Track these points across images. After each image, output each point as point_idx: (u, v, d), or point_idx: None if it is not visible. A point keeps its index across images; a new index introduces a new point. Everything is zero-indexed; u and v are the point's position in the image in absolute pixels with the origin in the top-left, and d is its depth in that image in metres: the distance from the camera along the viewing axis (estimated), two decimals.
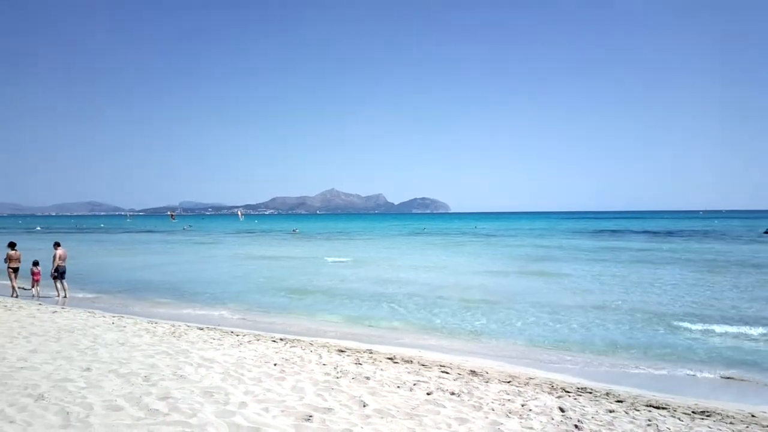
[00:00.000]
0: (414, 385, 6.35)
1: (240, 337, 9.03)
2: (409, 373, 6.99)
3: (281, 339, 9.03)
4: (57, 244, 15.68)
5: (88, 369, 6.40)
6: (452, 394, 6.07)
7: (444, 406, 5.56)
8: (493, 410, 5.54)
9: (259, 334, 9.40)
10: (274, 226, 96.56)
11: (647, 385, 7.39)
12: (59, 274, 15.30)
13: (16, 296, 14.85)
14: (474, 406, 5.64)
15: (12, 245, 15.52)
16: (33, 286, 15.38)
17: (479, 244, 42.55)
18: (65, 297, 15.00)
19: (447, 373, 7.17)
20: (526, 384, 6.90)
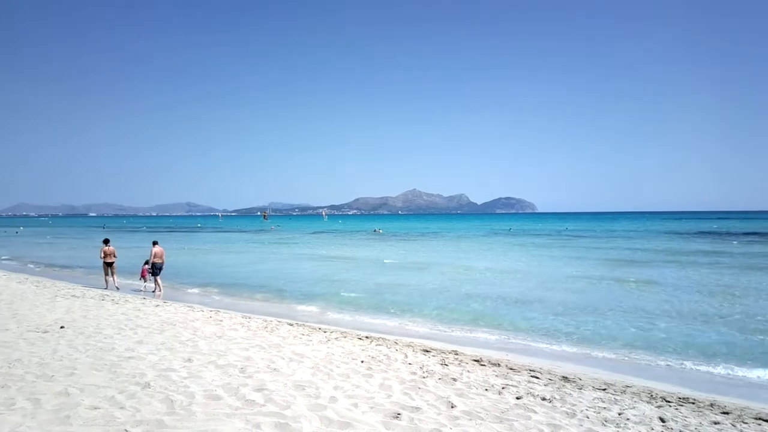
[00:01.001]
0: (503, 388, 6.23)
1: (327, 333, 9.26)
2: (497, 376, 6.88)
3: (366, 337, 9.17)
4: (155, 243, 16.83)
5: (189, 360, 6.81)
6: (543, 399, 5.90)
7: (535, 412, 5.42)
8: (588, 418, 5.33)
9: (345, 332, 9.60)
10: (356, 226, 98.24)
11: (756, 397, 6.84)
12: (155, 270, 16.37)
13: (116, 288, 16.29)
14: (567, 413, 5.45)
15: (106, 242, 17.01)
16: (142, 280, 16.74)
17: (569, 246, 41.07)
18: (160, 291, 16.07)
19: (537, 378, 6.99)
20: (623, 392, 6.59)
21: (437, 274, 21.06)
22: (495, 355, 8.50)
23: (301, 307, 13.70)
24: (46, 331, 8.46)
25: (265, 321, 10.32)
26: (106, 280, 16.82)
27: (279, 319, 10.67)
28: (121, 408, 4.96)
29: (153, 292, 16.12)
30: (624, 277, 19.84)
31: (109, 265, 16.85)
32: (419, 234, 64.91)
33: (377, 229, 75.33)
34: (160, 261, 16.46)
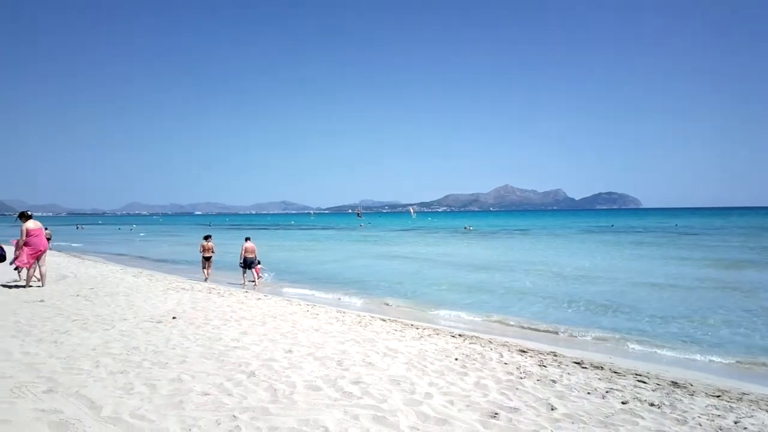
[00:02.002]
0: (606, 392, 5.95)
1: (420, 330, 9.27)
2: (599, 379, 6.58)
3: (460, 335, 9.09)
4: (247, 239, 17.99)
5: (290, 351, 7.08)
6: (651, 405, 5.57)
7: (642, 417, 5.12)
8: (701, 425, 4.97)
9: (437, 329, 9.57)
10: (445, 223, 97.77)
11: None
12: (246, 264, 17.51)
13: (205, 280, 17.51)
14: (677, 420, 5.11)
15: (207, 237, 18.26)
16: (254, 275, 17.86)
17: (677, 243, 38.50)
18: (254, 284, 17.19)
19: (644, 382, 6.61)
20: (739, 399, 6.08)
21: (528, 273, 20.49)
22: (597, 358, 8.14)
23: (391, 304, 13.84)
24: (159, 321, 9.11)
25: (359, 316, 10.52)
26: (204, 273, 18.14)
27: (372, 315, 10.83)
28: (229, 395, 5.24)
29: (253, 283, 17.17)
30: (736, 279, 18.32)
31: (207, 259, 18.18)
32: (511, 231, 63.46)
33: (467, 226, 74.46)
34: (251, 256, 17.51)
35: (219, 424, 4.48)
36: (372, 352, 7.17)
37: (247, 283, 17.51)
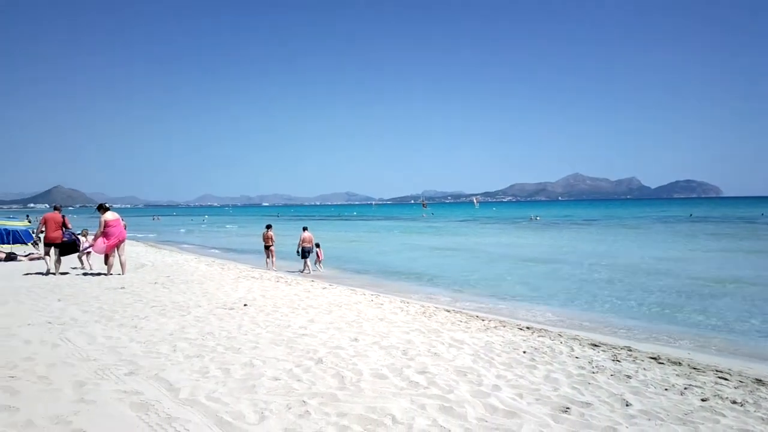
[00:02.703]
0: (685, 389, 5.65)
1: (486, 322, 9.14)
2: (677, 375, 6.25)
3: (527, 327, 8.89)
4: (304, 229, 18.73)
5: (355, 340, 7.15)
6: (733, 402, 5.24)
7: (723, 415, 4.83)
8: None
9: (503, 321, 9.41)
10: (511, 213, 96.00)
11: None
12: (304, 253, 18.13)
13: (274, 270, 18.14)
14: (762, 419, 4.79)
15: (268, 227, 19.03)
16: (316, 263, 18.58)
17: (761, 235, 36.13)
18: (311, 271, 17.86)
19: (725, 379, 6.23)
20: None
21: (598, 265, 19.78)
22: (674, 353, 7.75)
23: (455, 295, 13.72)
24: (231, 308, 9.43)
25: (423, 306, 10.50)
26: (266, 262, 18.92)
27: (436, 306, 10.78)
28: (299, 380, 5.35)
29: (308, 272, 17.83)
30: None
31: (267, 248, 18.86)
32: (579, 221, 61.47)
33: (534, 216, 72.70)
34: (309, 245, 18.21)
35: (290, 408, 4.58)
36: (437, 342, 7.13)
37: (310, 270, 18.08)
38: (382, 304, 10.39)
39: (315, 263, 18.59)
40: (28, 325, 7.91)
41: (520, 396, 5.10)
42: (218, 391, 5.01)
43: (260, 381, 5.32)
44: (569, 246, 29.13)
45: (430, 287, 15.11)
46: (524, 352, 6.91)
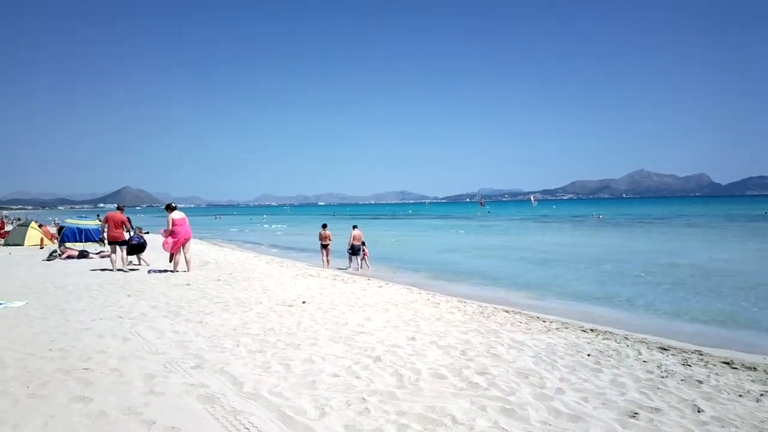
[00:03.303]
0: (761, 395, 5.32)
1: (547, 323, 8.91)
2: (753, 381, 5.89)
3: (591, 329, 8.60)
4: (354, 227, 19.04)
5: (413, 338, 7.13)
6: None
7: None
8: None
9: (566, 322, 9.13)
10: (571, 211, 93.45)
11: None
12: (353, 251, 18.55)
13: (328, 267, 18.47)
14: None
15: (324, 226, 19.52)
16: (362, 260, 18.80)
17: None
18: (359, 269, 18.23)
19: None
20: None
21: (665, 265, 18.93)
22: (748, 358, 7.31)
23: (513, 295, 13.47)
24: (291, 305, 9.61)
25: (480, 306, 10.34)
26: (322, 261, 19.19)
27: (494, 306, 10.59)
28: (357, 378, 5.38)
29: (357, 269, 18.14)
30: None
31: (324, 247, 19.15)
32: (645, 220, 59.08)
33: (596, 215, 70.42)
34: (358, 243, 18.49)
35: (349, 405, 4.60)
36: (496, 343, 7.01)
37: (358, 268, 18.43)
38: (438, 304, 10.32)
39: (361, 260, 18.99)
40: (101, 319, 8.33)
41: (585, 400, 4.94)
42: (280, 386, 5.11)
43: (320, 377, 5.38)
44: (633, 245, 28.04)
45: (486, 287, 14.89)
46: (588, 354, 6.69)
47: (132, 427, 4.11)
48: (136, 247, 16.24)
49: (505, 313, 9.73)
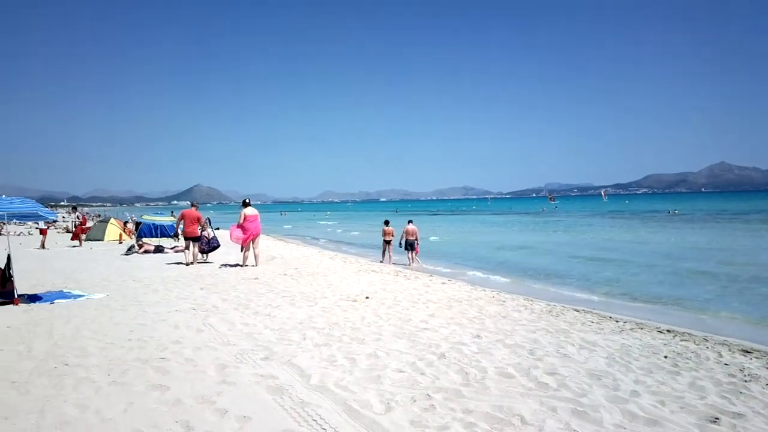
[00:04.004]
0: None
1: (620, 323, 8.55)
2: None
3: (668, 330, 8.18)
4: (409, 222, 19.24)
5: (478, 336, 7.02)
6: None
7: None
8: None
9: (640, 323, 8.73)
10: (645, 207, 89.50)
11: None
12: (407, 245, 18.57)
13: (392, 263, 18.59)
14: None
15: (387, 222, 19.83)
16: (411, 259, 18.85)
17: None
18: (411, 264, 18.14)
19: None
20: None
21: (748, 264, 17.78)
22: None
23: (583, 293, 13.04)
24: (354, 300, 9.70)
25: (549, 305, 10.06)
26: (385, 256, 19.49)
27: (563, 305, 10.27)
28: (422, 374, 5.35)
29: (409, 265, 18.06)
30: None
31: (387, 243, 19.58)
32: (726, 215, 55.67)
33: (672, 210, 67.09)
34: (411, 238, 18.57)
35: (415, 401, 4.59)
36: (566, 343, 6.79)
37: (410, 262, 18.44)
38: (504, 301, 10.12)
39: (408, 256, 19.15)
40: (176, 311, 8.71)
41: (662, 403, 4.70)
42: (345, 380, 5.16)
43: (385, 372, 5.39)
44: (712, 243, 26.48)
45: (552, 285, 14.46)
46: (665, 356, 6.37)
47: (206, 416, 4.26)
48: (213, 248, 16.87)
49: (575, 312, 9.42)
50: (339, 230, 48.02)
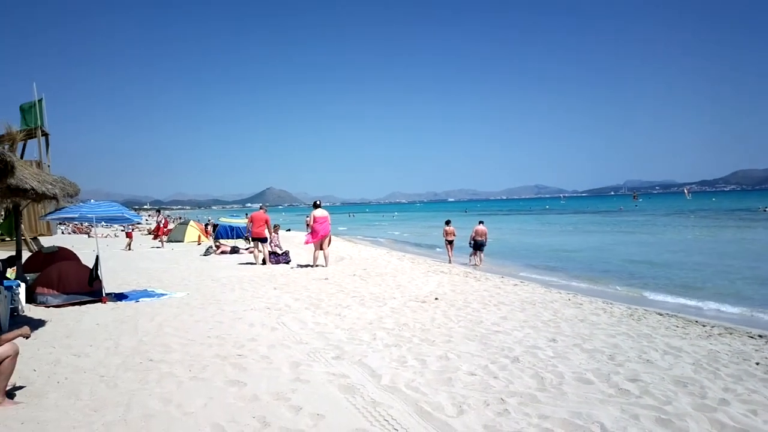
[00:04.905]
0: None
1: (707, 328, 8.05)
2: None
3: (760, 336, 7.61)
4: (480, 222, 19.28)
5: (553, 340, 6.79)
6: None
7: None
8: None
9: (730, 327, 8.17)
10: (733, 205, 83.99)
11: None
12: (476, 246, 18.61)
13: (450, 262, 18.75)
14: None
15: (448, 222, 19.99)
16: (471, 256, 19.08)
17: None
18: (477, 265, 18.12)
19: None
20: None
21: None
22: None
23: (666, 297, 12.38)
24: (423, 301, 9.65)
25: (629, 308, 9.59)
26: (449, 256, 19.62)
27: (645, 308, 9.78)
28: (495, 377, 5.23)
29: (475, 265, 18.09)
30: None
31: (449, 242, 19.67)
32: None
33: (763, 208, 62.63)
34: (481, 238, 18.53)
35: (488, 405, 4.49)
36: (649, 348, 6.44)
37: (477, 263, 18.44)
38: (581, 304, 9.75)
39: (472, 255, 19.24)
40: (251, 309, 8.98)
41: (754, 413, 4.37)
42: (416, 381, 5.12)
43: (456, 375, 5.31)
44: None
45: (633, 287, 13.82)
46: (757, 363, 5.92)
47: (281, 412, 4.35)
48: (275, 254, 17.22)
49: (658, 316, 8.95)
50: (406, 231, 48.07)
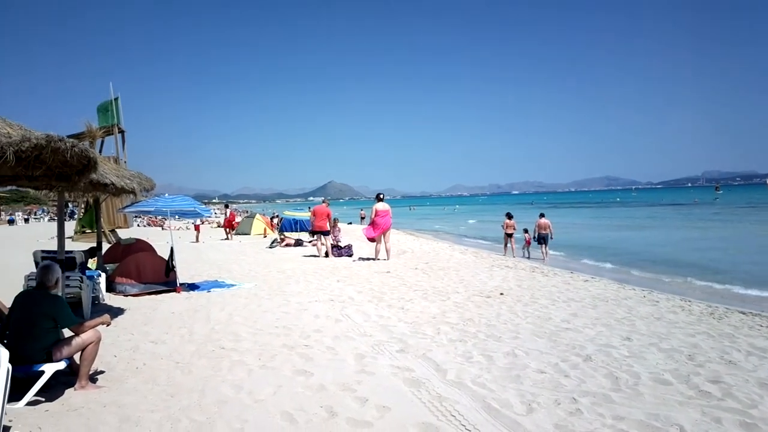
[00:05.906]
0: None
1: None
2: None
3: None
4: (541, 215, 19.11)
5: (628, 338, 6.48)
6: None
7: None
8: None
9: None
10: None
11: None
12: (540, 239, 18.62)
13: (513, 256, 18.83)
14: None
15: (509, 215, 19.78)
16: (523, 248, 19.39)
17: None
18: (544, 260, 18.05)
19: None
20: None
21: None
22: None
23: (747, 293, 11.65)
24: (488, 296, 9.47)
25: (709, 306, 9.06)
26: (504, 248, 19.62)
27: (727, 306, 9.21)
28: (566, 376, 5.05)
29: (542, 260, 17.91)
30: None
31: (509, 236, 19.60)
32: None
33: None
34: (544, 232, 18.51)
35: (558, 404, 4.34)
36: (732, 349, 6.05)
37: (541, 255, 18.43)
38: (657, 302, 9.28)
39: (523, 248, 19.34)
40: (316, 301, 9.12)
41: None
42: (483, 377, 5.03)
43: (525, 372, 5.17)
44: None
45: (712, 284, 13.08)
46: None
47: (347, 402, 4.38)
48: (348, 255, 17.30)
49: (740, 314, 8.41)
50: (469, 224, 47.53)
